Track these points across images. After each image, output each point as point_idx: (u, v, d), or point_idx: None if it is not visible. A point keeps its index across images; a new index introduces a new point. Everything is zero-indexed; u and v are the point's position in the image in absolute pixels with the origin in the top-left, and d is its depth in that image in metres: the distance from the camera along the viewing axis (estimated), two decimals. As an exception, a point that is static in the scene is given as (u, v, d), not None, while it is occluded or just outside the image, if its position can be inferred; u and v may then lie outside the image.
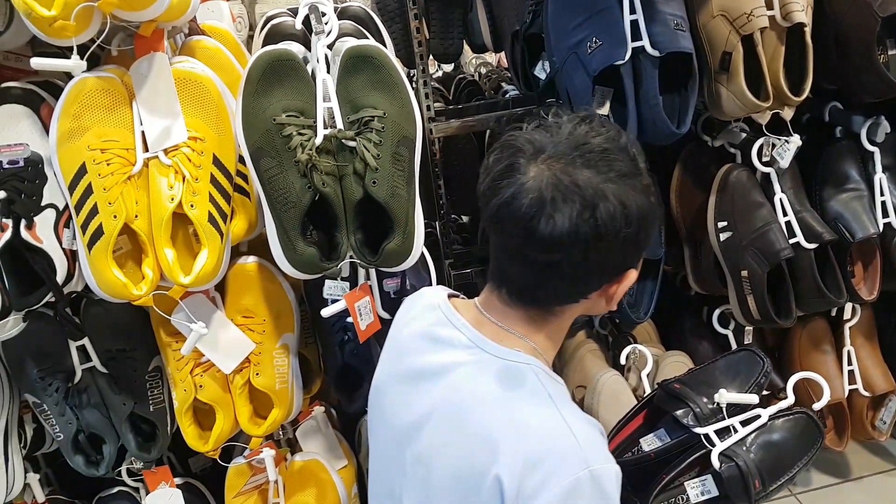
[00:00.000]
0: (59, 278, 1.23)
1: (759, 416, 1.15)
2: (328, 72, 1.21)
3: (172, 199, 1.20)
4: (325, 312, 1.24)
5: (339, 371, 1.46)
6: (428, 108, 1.74)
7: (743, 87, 1.35)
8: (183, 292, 1.22)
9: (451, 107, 2.02)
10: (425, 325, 0.99)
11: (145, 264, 1.21)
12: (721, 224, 1.53)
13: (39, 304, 1.28)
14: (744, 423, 1.15)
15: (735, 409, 1.18)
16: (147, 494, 1.52)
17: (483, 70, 2.40)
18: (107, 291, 1.20)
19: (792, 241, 1.51)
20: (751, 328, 1.68)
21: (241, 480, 1.49)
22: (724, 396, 1.16)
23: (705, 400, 1.20)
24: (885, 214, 1.58)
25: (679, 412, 1.20)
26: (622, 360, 1.66)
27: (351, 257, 1.20)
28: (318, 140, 1.16)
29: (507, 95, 2.03)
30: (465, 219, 2.37)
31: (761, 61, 1.34)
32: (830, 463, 1.95)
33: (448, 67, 2.69)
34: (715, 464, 1.11)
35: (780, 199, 1.52)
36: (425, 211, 1.77)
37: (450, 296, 1.03)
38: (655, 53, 1.28)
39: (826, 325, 1.74)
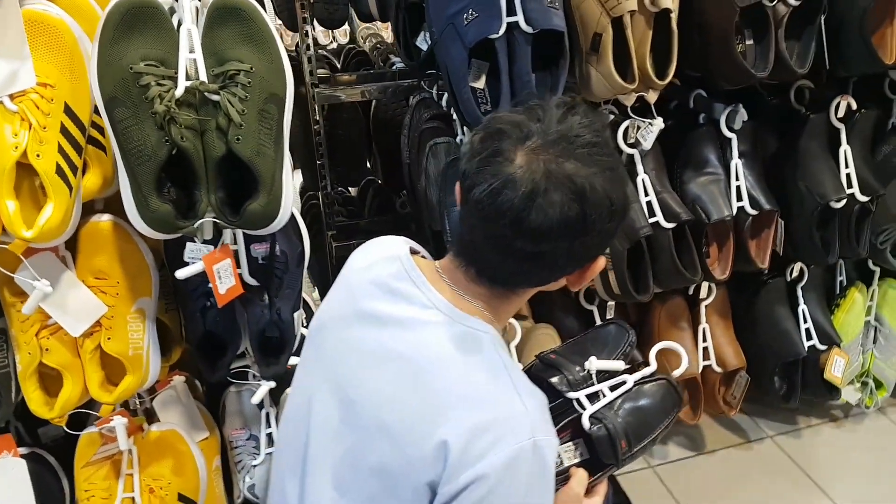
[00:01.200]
0: None
1: (625, 382, 1.22)
2: (195, 23, 1.17)
3: (16, 148, 1.12)
4: (180, 274, 1.19)
5: (200, 339, 1.41)
6: (311, 73, 1.71)
7: (611, 68, 1.39)
8: (25, 247, 1.14)
9: (335, 75, 1.99)
10: (383, 274, 0.97)
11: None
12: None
13: None
14: (612, 389, 1.22)
15: (604, 376, 1.25)
16: (-13, 465, 1.42)
17: (373, 41, 2.38)
18: (-64, 244, 1.11)
19: (652, 220, 1.58)
20: (613, 304, 1.75)
21: (91, 450, 1.42)
22: (594, 363, 1.22)
23: (577, 368, 1.26)
24: (739, 198, 1.68)
25: (554, 379, 1.24)
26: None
27: (211, 217, 1.16)
28: (179, 91, 1.10)
29: (395, 67, 2.02)
30: (352, 191, 2.34)
31: (629, 44, 1.39)
32: (685, 436, 2.08)
33: (343, 39, 2.65)
34: (585, 425, 1.16)
35: (643, 180, 1.58)
36: (307, 181, 1.74)
37: (412, 250, 1.01)
38: (529, 29, 1.30)
39: (684, 304, 1.84)
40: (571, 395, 1.21)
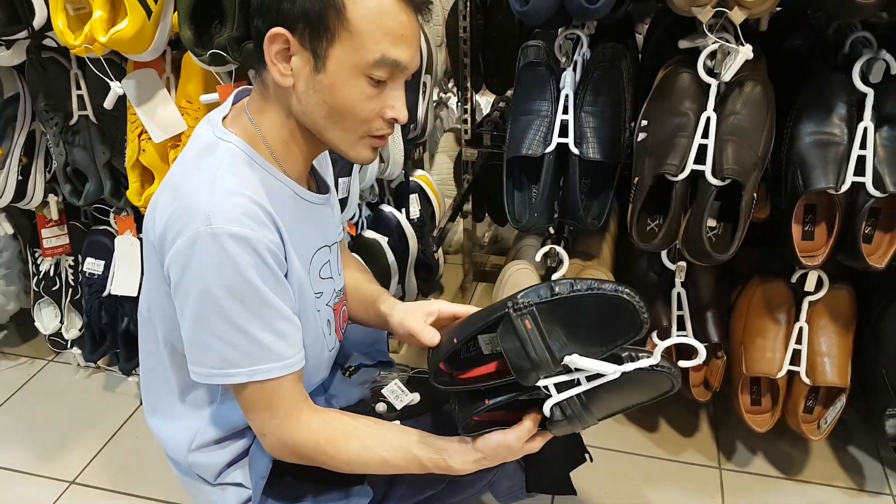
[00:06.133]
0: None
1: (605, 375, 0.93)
2: None
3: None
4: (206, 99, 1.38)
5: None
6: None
7: (681, -30, 1.18)
8: (105, 50, 1.41)
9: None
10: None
11: (88, 23, 1.42)
12: (643, 123, 1.37)
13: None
14: (589, 379, 0.95)
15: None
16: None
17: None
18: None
19: (697, 167, 1.27)
20: (681, 267, 1.51)
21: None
22: (575, 361, 0.92)
23: (554, 347, 0.91)
24: (861, 172, 1.29)
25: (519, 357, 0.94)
26: (537, 258, 1.62)
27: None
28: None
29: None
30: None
31: (709, -57, 1.16)
32: (774, 451, 1.73)
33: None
34: (546, 412, 0.96)
35: (708, 118, 1.29)
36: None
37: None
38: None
39: (787, 291, 1.51)
40: (541, 383, 0.95)
